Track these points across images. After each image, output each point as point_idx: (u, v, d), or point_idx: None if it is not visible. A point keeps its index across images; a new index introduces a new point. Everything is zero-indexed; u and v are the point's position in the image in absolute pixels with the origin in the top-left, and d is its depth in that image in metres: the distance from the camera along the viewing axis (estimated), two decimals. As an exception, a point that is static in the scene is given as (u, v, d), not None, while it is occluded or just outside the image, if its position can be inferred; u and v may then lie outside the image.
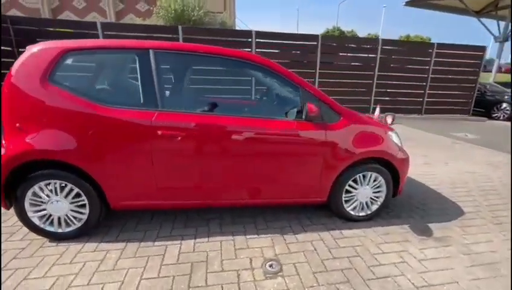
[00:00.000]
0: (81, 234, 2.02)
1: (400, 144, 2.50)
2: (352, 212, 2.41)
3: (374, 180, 2.36)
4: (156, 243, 2.01)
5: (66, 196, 1.90)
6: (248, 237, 2.14)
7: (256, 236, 2.16)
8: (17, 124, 1.75)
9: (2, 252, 1.86)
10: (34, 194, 1.85)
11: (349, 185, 2.31)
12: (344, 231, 2.28)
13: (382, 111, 7.51)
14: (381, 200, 2.45)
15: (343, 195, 2.33)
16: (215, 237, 2.12)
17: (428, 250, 2.06)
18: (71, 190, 1.89)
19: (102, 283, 1.62)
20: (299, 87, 2.12)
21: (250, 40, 7.40)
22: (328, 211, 2.48)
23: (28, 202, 1.86)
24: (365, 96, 8.58)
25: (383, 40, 8.40)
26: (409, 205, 2.78)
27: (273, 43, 7.76)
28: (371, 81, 8.44)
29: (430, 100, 9.00)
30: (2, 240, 1.98)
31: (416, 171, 3.62)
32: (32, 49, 1.82)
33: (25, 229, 2.01)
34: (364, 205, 2.43)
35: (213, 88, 6.57)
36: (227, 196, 2.20)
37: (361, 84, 8.51)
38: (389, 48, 8.41)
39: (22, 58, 1.80)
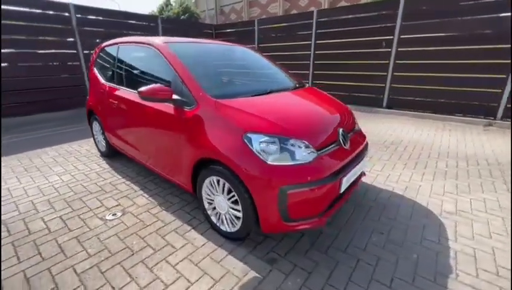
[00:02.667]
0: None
1: (270, 157, 1.61)
2: (213, 219, 2.03)
3: (230, 192, 1.79)
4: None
5: None
6: (145, 194, 2.64)
7: (147, 197, 2.60)
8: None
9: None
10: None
11: (207, 187, 1.96)
12: (192, 232, 2.06)
13: None
14: (239, 223, 1.80)
15: (204, 194, 2.03)
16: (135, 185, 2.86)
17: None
18: None
19: None
20: (172, 69, 2.11)
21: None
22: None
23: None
24: None
25: None
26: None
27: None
28: None
29: None
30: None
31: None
32: None
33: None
34: (224, 219, 1.93)
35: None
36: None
37: None
38: None
39: None
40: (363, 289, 1.55)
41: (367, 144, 2.36)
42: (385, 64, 6.26)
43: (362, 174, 2.31)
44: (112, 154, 3.46)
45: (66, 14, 6.02)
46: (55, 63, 6.20)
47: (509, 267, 1.71)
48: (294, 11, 16.71)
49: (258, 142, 1.63)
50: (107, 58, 3.14)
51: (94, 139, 3.71)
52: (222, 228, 1.98)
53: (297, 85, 2.69)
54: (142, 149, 2.62)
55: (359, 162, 2.05)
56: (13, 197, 2.58)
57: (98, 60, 3.30)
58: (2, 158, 3.53)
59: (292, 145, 1.67)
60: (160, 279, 1.62)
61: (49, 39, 5.91)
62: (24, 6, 5.47)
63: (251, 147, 1.63)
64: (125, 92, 2.67)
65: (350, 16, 6.60)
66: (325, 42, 7.14)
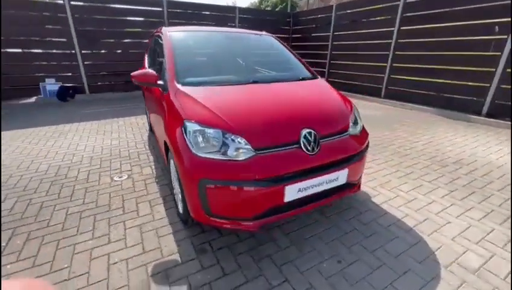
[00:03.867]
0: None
1: (198, 148, 1.59)
2: (175, 199, 2.15)
3: (178, 176, 1.86)
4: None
5: None
6: (151, 164, 3.04)
7: (151, 165, 2.98)
8: None
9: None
10: None
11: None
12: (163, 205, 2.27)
13: None
14: (180, 204, 1.87)
15: (172, 176, 2.17)
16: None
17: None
18: None
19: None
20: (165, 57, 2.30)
21: None
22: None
23: None
24: None
25: None
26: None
27: None
28: None
29: None
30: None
31: None
32: None
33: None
34: (179, 201, 2.02)
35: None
36: None
37: None
38: None
39: None
40: (264, 311, 1.37)
41: (361, 151, 1.93)
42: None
43: (348, 187, 1.93)
44: (152, 129, 4.10)
45: (160, 9, 7.23)
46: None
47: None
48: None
49: (191, 131, 1.63)
50: (152, 46, 3.67)
51: (146, 116, 4.47)
52: (178, 208, 2.10)
53: (300, 77, 2.42)
54: (153, 125, 3.01)
55: (330, 173, 1.72)
56: (76, 150, 3.48)
57: (148, 49, 3.89)
58: (97, 120, 4.76)
59: (228, 139, 1.58)
60: (109, 236, 1.91)
61: (145, 31, 7.26)
62: (131, 4, 6.91)
63: (185, 135, 1.64)
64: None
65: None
66: (414, 28, 5.85)
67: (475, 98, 5.04)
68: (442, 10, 5.29)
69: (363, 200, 2.38)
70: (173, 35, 2.51)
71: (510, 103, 4.55)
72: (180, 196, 1.91)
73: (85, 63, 6.75)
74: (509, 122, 4.46)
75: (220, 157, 1.55)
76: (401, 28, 6.02)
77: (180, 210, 2.00)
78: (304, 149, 1.66)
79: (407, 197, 2.43)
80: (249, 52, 2.79)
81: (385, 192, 2.50)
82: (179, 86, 1.98)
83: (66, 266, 1.64)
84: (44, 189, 2.53)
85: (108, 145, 3.66)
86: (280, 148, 1.62)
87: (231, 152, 1.56)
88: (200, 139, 1.60)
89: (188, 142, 1.62)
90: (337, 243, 1.86)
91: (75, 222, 2.05)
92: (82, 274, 1.58)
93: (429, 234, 1.95)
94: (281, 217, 1.68)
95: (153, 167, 3.00)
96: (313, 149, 1.68)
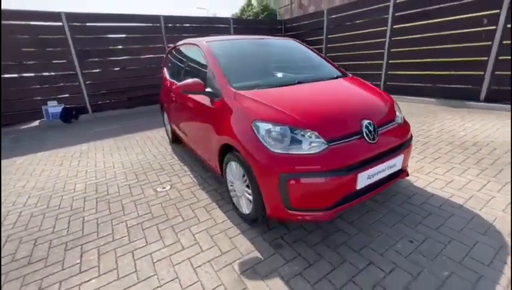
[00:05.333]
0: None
1: (274, 145, 1.67)
2: (234, 201, 2.22)
3: (244, 175, 1.93)
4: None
5: None
6: (191, 174, 3.06)
7: (192, 175, 3.00)
8: None
9: None
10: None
11: (230, 171, 2.15)
12: (218, 210, 2.31)
13: None
14: (251, 206, 1.92)
15: (228, 178, 2.23)
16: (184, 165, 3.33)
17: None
18: None
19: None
20: (208, 65, 2.38)
21: None
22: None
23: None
24: None
25: None
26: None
27: None
28: None
29: None
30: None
31: None
32: None
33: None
34: (243, 202, 2.07)
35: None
36: None
37: None
38: None
39: None
40: (362, 292, 1.44)
41: (409, 139, 2.07)
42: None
43: (400, 173, 2.05)
44: (175, 141, 4.12)
45: (158, 24, 7.31)
46: (152, 66, 7.58)
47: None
48: None
49: (264, 130, 1.71)
50: (171, 59, 3.74)
51: (165, 128, 4.47)
52: (240, 209, 2.15)
53: (335, 76, 2.56)
54: (189, 136, 3.05)
55: (390, 159, 1.84)
56: (105, 167, 3.44)
57: (166, 62, 3.95)
58: (111, 137, 4.70)
59: (300, 134, 1.67)
60: (180, 242, 1.93)
61: (147, 47, 7.30)
62: (131, 22, 6.97)
63: (257, 135, 1.72)
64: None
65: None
66: (407, 26, 6.20)
67: (471, 86, 5.39)
68: (430, 8, 5.69)
69: (406, 186, 2.51)
70: (212, 45, 2.60)
71: (507, 88, 4.90)
72: (247, 196, 1.97)
73: (86, 82, 6.68)
74: (508, 105, 4.79)
75: (296, 152, 1.63)
76: (394, 26, 6.38)
77: (246, 211, 2.05)
78: (367, 138, 1.77)
79: (445, 179, 2.58)
80: (282, 56, 2.92)
81: (423, 177, 2.65)
82: (234, 90, 2.06)
83: (152, 274, 1.65)
84: (92, 206, 2.50)
85: (135, 159, 3.64)
86: (348, 139, 1.73)
87: (305, 146, 1.65)
88: (274, 136, 1.68)
89: (262, 141, 1.69)
90: (401, 226, 1.96)
91: (139, 234, 2.05)
92: (172, 280, 1.59)
93: (480, 208, 2.10)
94: (353, 204, 1.77)
95: (191, 175, 3.03)
96: (373, 138, 1.80)
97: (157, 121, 5.74)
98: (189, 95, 2.64)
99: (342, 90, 2.28)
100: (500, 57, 4.90)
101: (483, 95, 5.25)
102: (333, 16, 7.87)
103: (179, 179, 2.95)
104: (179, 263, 1.73)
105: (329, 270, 1.60)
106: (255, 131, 1.74)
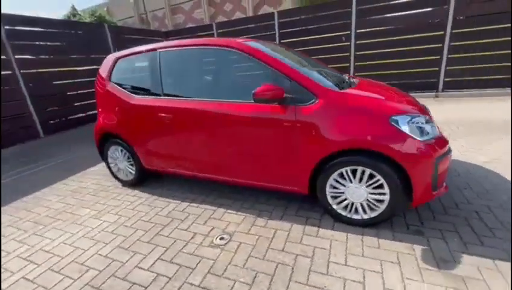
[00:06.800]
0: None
1: (420, 134, 1.76)
2: (342, 212, 2.03)
3: (371, 178, 1.84)
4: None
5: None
6: (229, 211, 2.37)
7: (234, 212, 2.34)
8: None
9: None
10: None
11: (335, 180, 1.95)
12: (322, 230, 2.00)
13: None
14: (382, 206, 1.88)
15: (328, 190, 2.00)
16: (205, 205, 2.50)
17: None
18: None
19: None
20: (268, 67, 2.01)
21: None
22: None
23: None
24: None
25: None
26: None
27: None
28: None
29: None
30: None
31: None
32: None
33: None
34: (359, 208, 1.96)
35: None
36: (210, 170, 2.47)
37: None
38: None
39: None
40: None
41: None
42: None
43: None
44: (141, 181, 2.95)
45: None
46: None
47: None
48: (220, 17, 16.92)
49: (406, 122, 1.74)
50: (138, 69, 2.68)
51: (110, 169, 3.06)
52: (355, 217, 1.99)
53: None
54: (219, 161, 2.35)
55: None
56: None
57: (115, 73, 2.74)
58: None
59: (421, 122, 1.84)
60: (349, 279, 1.54)
61: None
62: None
63: (399, 128, 1.72)
64: (190, 103, 2.34)
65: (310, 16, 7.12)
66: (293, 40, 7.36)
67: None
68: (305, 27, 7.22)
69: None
70: (253, 45, 2.13)
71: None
72: (368, 200, 1.91)
73: None
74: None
75: (431, 137, 1.80)
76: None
77: (366, 215, 1.94)
78: None
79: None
80: (300, 58, 2.79)
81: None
82: (338, 90, 1.94)
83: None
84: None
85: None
86: None
87: (429, 130, 1.84)
88: (416, 126, 1.76)
89: (408, 133, 1.72)
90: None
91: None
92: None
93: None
94: None
95: (232, 212, 2.33)
96: None
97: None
98: (228, 110, 2.10)
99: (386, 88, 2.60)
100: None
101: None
102: (222, 30, 8.19)
103: (225, 223, 2.19)
104: (387, 297, 1.41)
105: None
106: (395, 125, 1.73)
